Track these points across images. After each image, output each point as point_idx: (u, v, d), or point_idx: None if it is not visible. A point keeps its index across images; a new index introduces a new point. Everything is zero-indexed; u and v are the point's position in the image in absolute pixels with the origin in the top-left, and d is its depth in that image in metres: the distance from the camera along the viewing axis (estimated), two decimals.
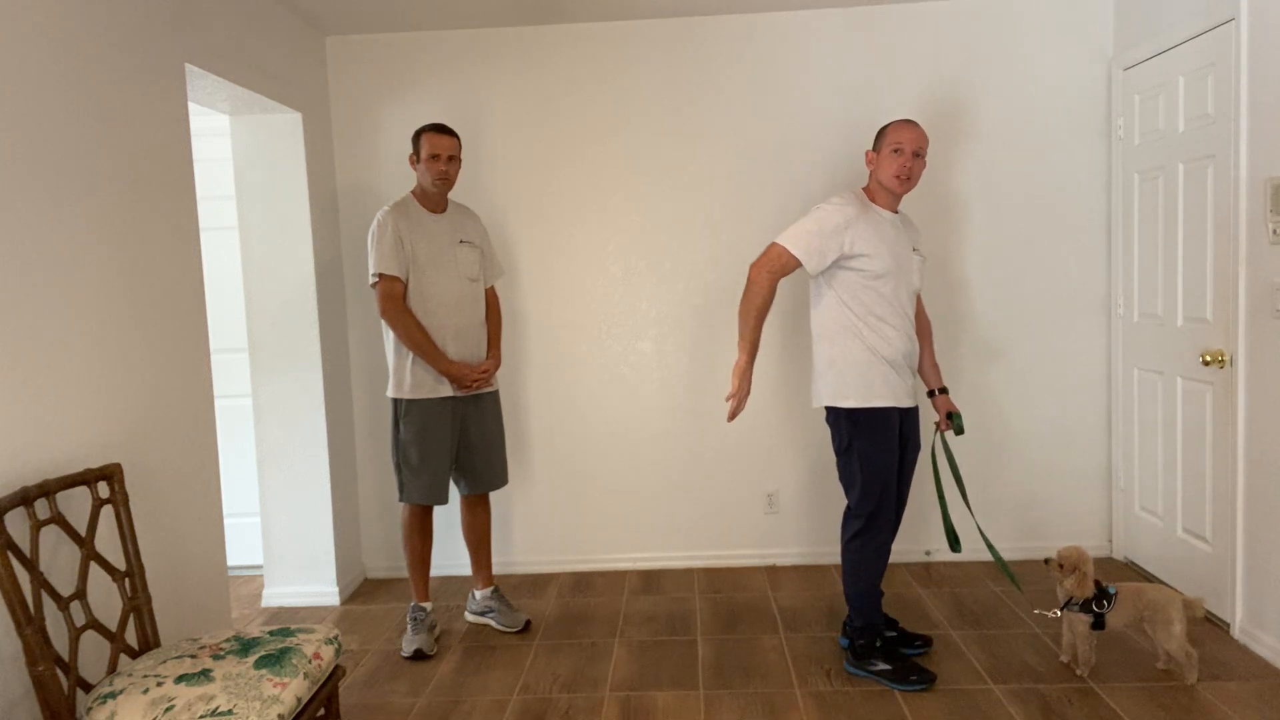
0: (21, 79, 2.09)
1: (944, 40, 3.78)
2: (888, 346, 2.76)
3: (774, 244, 2.77)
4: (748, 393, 2.72)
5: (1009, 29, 3.77)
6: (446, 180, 3.18)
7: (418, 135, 3.18)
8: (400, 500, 3.24)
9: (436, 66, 3.90)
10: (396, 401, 3.19)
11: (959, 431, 3.00)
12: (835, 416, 2.83)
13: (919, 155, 2.76)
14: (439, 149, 3.15)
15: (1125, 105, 3.65)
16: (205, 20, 2.94)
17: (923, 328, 3.08)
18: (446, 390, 3.18)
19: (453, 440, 3.23)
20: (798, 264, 2.74)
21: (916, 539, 3.92)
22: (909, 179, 2.76)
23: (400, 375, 3.16)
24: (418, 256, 3.14)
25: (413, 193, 3.23)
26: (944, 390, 3.05)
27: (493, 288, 3.45)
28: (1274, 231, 2.78)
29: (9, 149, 2.04)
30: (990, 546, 2.94)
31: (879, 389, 2.76)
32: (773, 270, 2.74)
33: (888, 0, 3.73)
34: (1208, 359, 3.09)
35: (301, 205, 3.61)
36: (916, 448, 2.96)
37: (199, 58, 2.88)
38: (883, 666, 2.81)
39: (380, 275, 3.09)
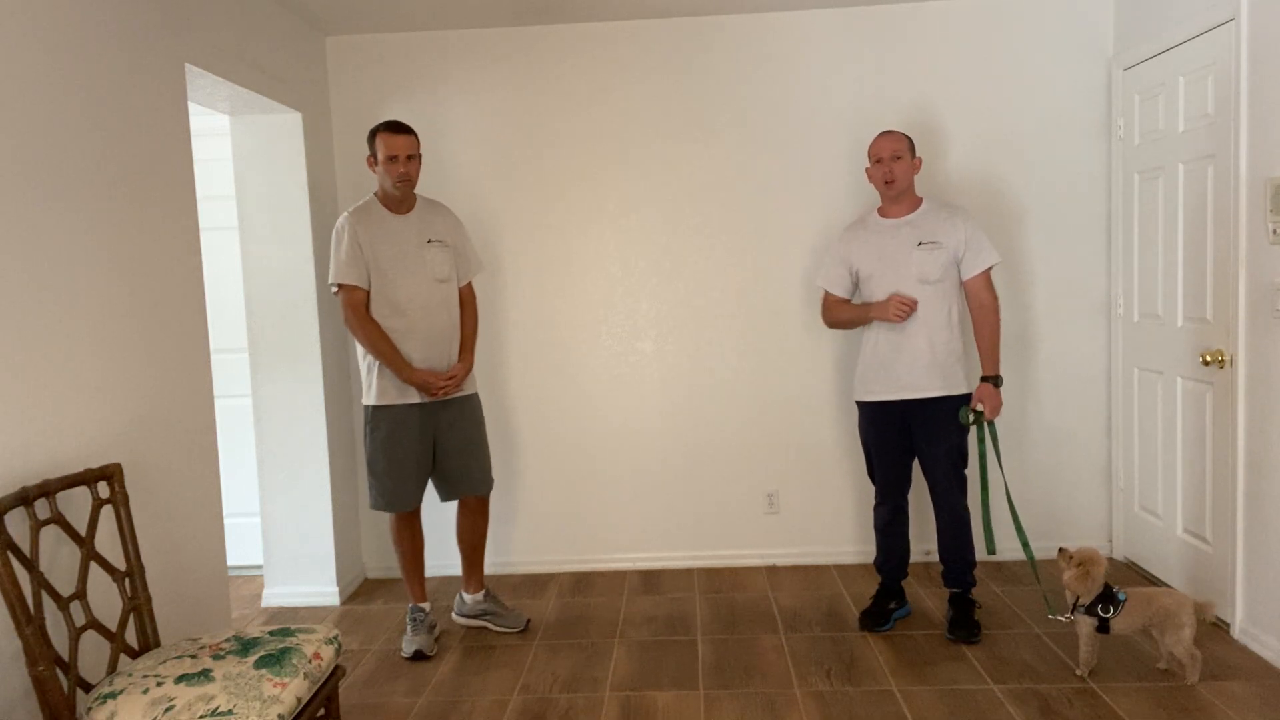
0: (21, 79, 2.09)
1: (944, 40, 3.78)
2: (869, 343, 3.16)
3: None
4: (898, 299, 3.02)
5: (1009, 29, 3.76)
6: (408, 181, 3.07)
7: (373, 136, 3.08)
8: (370, 507, 3.23)
9: (436, 66, 3.90)
10: (366, 408, 3.15)
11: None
12: None
13: (898, 158, 3.05)
14: (396, 149, 3.03)
15: (1125, 105, 3.65)
16: (205, 20, 2.94)
17: (972, 315, 3.11)
18: (413, 397, 3.10)
19: (423, 447, 3.15)
20: (833, 295, 3.25)
21: (918, 539, 3.90)
22: (894, 181, 3.06)
23: (368, 382, 3.12)
24: (380, 261, 3.05)
25: (375, 194, 3.16)
26: (989, 379, 3.05)
27: (469, 285, 3.30)
28: (1274, 231, 2.78)
29: (9, 149, 2.04)
30: (1024, 543, 3.00)
31: (866, 385, 3.19)
32: (825, 309, 3.29)
33: (888, 0, 3.73)
34: (1208, 359, 3.09)
35: (301, 205, 3.61)
36: (942, 440, 3.06)
37: (199, 58, 2.88)
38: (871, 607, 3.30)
39: (340, 285, 3.05)
